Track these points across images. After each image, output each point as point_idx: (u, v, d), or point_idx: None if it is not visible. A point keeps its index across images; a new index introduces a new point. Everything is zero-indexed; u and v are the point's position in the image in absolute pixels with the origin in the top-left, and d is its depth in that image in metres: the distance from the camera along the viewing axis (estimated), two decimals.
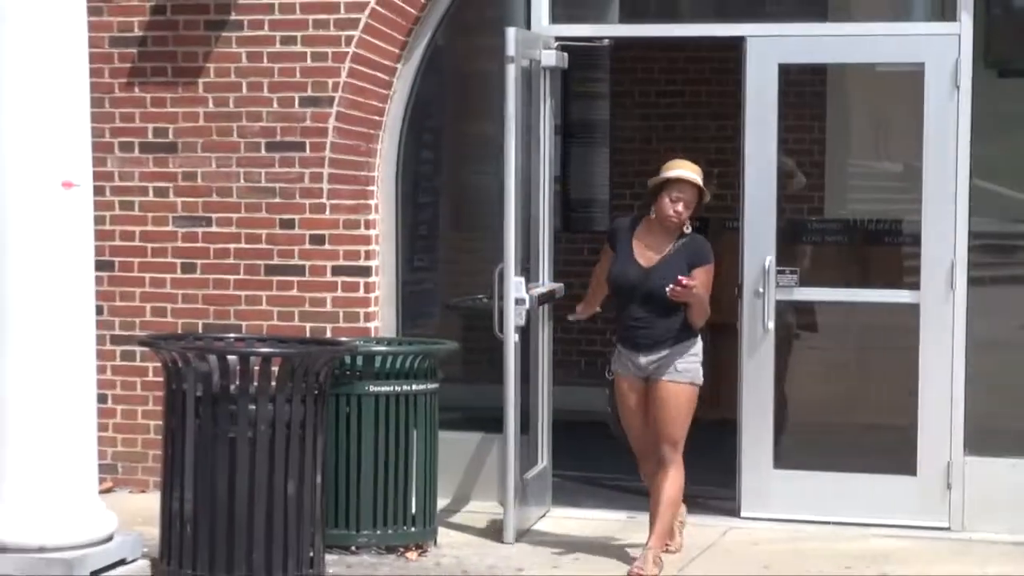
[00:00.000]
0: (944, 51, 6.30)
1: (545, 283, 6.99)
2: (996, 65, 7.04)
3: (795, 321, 7.78)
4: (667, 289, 5.50)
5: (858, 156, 9.92)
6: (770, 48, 6.73)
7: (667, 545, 5.86)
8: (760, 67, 6.68)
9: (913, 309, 6.72)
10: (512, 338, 6.44)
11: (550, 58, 6.89)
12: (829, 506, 6.65)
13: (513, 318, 6.38)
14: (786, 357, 7.51)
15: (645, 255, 5.75)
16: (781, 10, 7.65)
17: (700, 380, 5.78)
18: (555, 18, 7.10)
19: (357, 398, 6.18)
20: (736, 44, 6.85)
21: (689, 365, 5.74)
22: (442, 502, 6.86)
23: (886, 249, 8.53)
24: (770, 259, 6.70)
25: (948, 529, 6.42)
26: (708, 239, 6.73)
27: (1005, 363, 7.20)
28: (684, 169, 5.66)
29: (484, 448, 7.34)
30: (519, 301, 6.41)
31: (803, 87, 8.67)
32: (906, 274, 7.67)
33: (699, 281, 5.59)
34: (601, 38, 7.76)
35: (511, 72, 6.56)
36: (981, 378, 6.68)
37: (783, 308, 6.98)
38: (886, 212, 9.00)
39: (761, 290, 6.70)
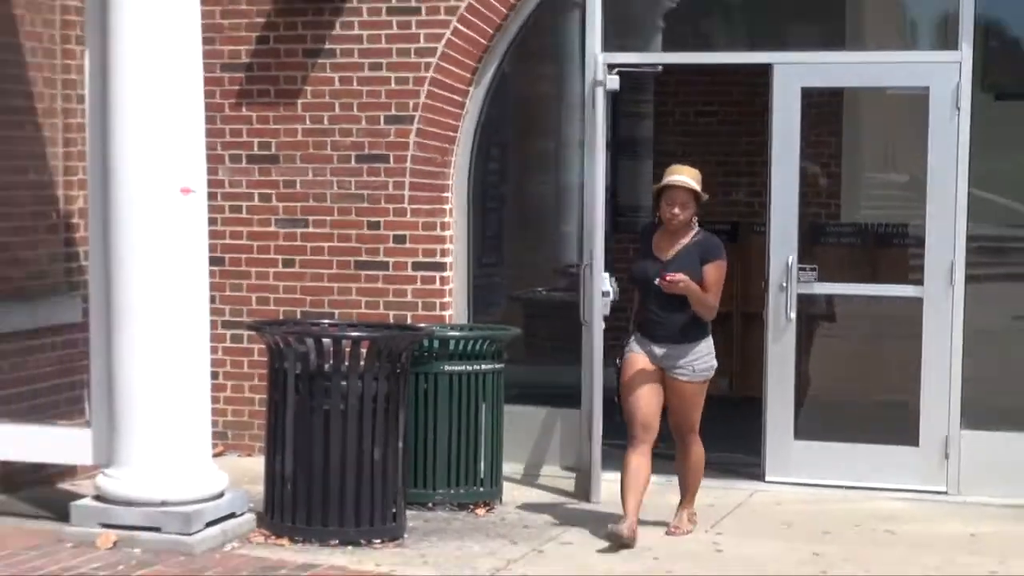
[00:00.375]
0: (946, 76, 6.31)
1: None
2: (993, 89, 7.01)
3: (814, 312, 7.72)
4: (655, 281, 5.42)
5: (870, 168, 9.92)
6: (794, 74, 6.74)
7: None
8: (785, 90, 6.70)
9: (917, 302, 6.73)
10: (599, 326, 6.52)
11: (613, 82, 6.82)
12: (843, 472, 6.68)
13: (599, 308, 6.46)
14: (806, 343, 7.46)
15: (662, 252, 5.63)
16: (804, 40, 7.55)
17: (712, 372, 5.70)
18: (607, 47, 7.01)
19: (434, 376, 6.30)
20: (764, 70, 6.86)
21: (703, 365, 5.65)
22: (509, 467, 6.90)
23: (894, 250, 8.51)
24: (792, 258, 6.71)
25: (946, 493, 6.47)
26: (738, 241, 6.74)
27: (997, 349, 7.23)
28: (677, 175, 5.57)
29: (549, 421, 7.34)
30: (605, 293, 6.49)
31: (822, 107, 8.61)
32: (911, 271, 7.58)
33: (709, 276, 5.50)
34: (653, 65, 7.62)
35: (600, 95, 6.69)
36: (976, 362, 6.68)
37: (804, 300, 6.95)
38: (894, 217, 8.97)
39: (784, 285, 6.70)
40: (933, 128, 6.56)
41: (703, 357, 5.65)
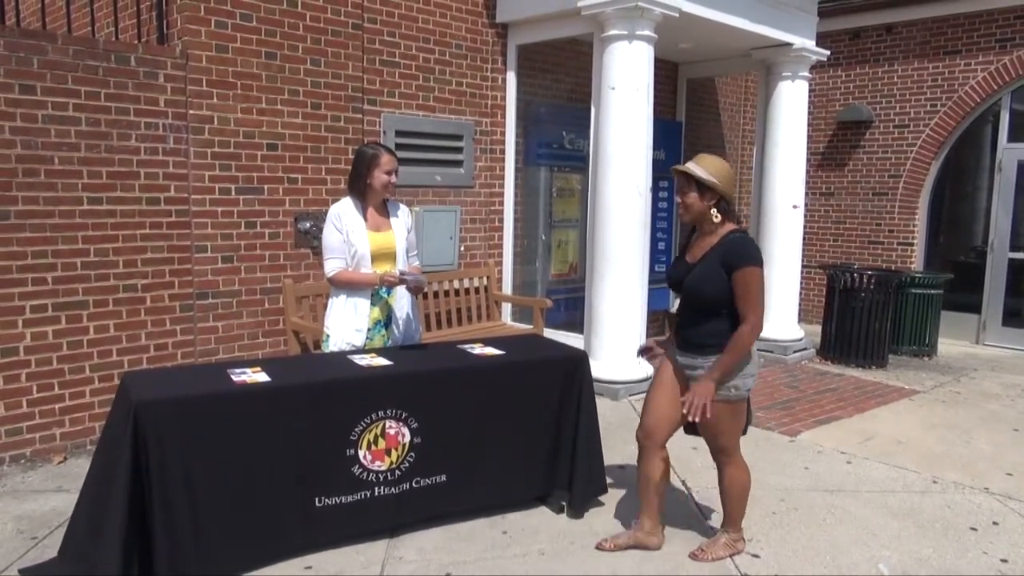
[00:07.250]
0: None
1: None
2: None
3: None
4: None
5: None
6: None
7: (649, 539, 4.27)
8: None
9: None
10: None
11: (1011, 162, 8.27)
12: None
13: None
14: None
15: (692, 254, 3.97)
16: None
17: (739, 395, 3.90)
18: (1008, 141, 9.22)
19: (906, 294, 8.57)
20: None
21: (726, 381, 3.85)
22: (944, 339, 9.01)
23: None
24: None
25: None
26: None
27: None
28: (691, 163, 3.88)
29: (964, 320, 9.57)
30: None
31: None
32: None
33: (736, 283, 3.75)
34: None
35: (1006, 167, 8.27)
36: None
37: None
38: None
39: None
40: None
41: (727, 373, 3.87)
